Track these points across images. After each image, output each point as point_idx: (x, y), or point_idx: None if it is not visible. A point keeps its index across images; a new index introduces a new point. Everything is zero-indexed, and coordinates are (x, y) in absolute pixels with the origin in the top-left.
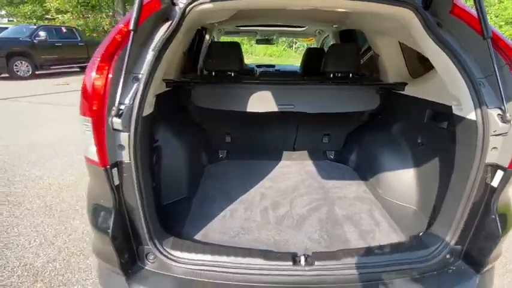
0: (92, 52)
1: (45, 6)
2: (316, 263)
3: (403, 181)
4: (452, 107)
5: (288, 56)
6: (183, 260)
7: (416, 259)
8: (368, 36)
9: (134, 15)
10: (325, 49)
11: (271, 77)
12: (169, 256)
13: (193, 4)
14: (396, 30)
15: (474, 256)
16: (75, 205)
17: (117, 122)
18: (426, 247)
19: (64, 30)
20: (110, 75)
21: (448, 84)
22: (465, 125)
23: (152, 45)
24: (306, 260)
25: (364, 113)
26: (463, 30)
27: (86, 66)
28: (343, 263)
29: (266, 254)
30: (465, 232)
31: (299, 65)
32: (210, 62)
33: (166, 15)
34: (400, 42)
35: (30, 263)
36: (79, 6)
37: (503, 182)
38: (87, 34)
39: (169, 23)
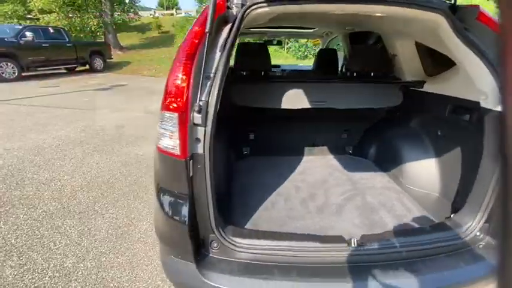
0: (80, 53)
1: (27, 6)
2: (367, 244)
3: (425, 171)
4: (480, 101)
5: (279, 56)
6: (246, 246)
7: (452, 237)
8: (385, 38)
9: (209, 19)
10: (337, 50)
11: (301, 77)
12: (232, 243)
13: (252, 7)
14: (421, 32)
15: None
16: (94, 206)
17: (197, 117)
18: (460, 226)
19: (51, 31)
20: (192, 75)
21: (476, 81)
22: (494, 117)
23: (219, 47)
24: (357, 242)
25: (384, 109)
26: (488, 34)
27: (74, 67)
28: (390, 242)
29: (322, 238)
30: (492, 212)
31: (301, 64)
32: (245, 61)
33: (225, 18)
34: (416, 44)
35: (60, 264)
36: (65, 6)
37: None
38: (73, 35)
39: (229, 25)
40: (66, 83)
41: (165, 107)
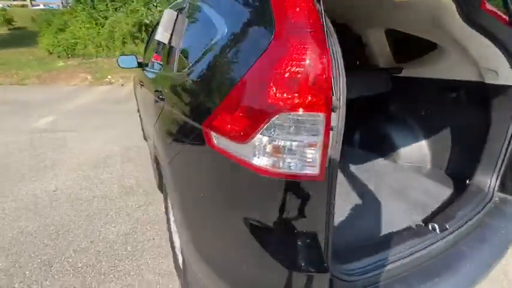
0: None
1: None
2: (447, 227)
3: (418, 148)
4: (485, 77)
5: None
6: (354, 271)
7: (483, 199)
8: (355, 27)
9: None
10: None
11: None
12: (344, 272)
13: None
14: (408, 17)
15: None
16: (50, 271)
17: (334, 118)
18: (483, 188)
19: None
20: (329, 56)
21: (482, 60)
22: (502, 91)
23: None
24: (439, 227)
25: (371, 97)
26: (491, 20)
27: None
28: (458, 219)
29: (414, 233)
30: (506, 169)
31: None
32: None
33: None
34: (385, 33)
35: None
36: None
37: None
38: None
39: None
40: None
41: (292, 103)
